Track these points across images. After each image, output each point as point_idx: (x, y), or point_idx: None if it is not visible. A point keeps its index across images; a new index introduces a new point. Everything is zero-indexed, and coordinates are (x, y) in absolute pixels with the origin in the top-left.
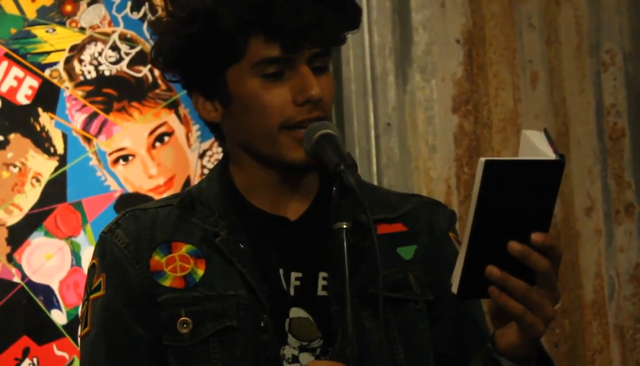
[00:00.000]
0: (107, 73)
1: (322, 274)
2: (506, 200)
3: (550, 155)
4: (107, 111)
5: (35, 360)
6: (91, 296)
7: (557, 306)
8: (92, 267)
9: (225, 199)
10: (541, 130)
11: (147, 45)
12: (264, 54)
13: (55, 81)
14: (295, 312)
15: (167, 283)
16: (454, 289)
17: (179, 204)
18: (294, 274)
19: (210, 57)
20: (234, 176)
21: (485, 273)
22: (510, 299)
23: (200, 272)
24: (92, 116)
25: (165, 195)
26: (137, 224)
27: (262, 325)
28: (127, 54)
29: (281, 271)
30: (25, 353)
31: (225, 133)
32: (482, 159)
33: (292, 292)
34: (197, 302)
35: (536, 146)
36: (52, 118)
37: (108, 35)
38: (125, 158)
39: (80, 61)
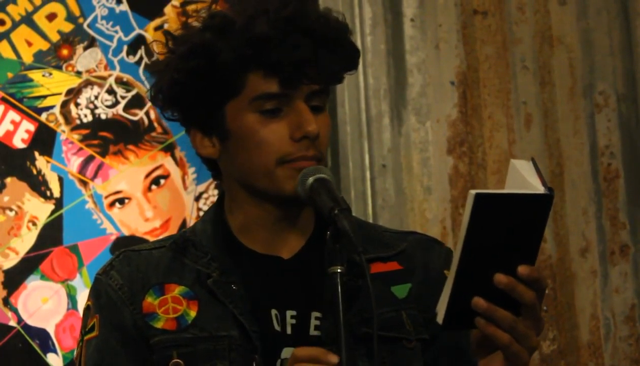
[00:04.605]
0: (103, 116)
1: (315, 314)
2: (494, 232)
3: (539, 187)
4: (103, 154)
5: None
6: (85, 337)
7: (553, 348)
8: (87, 308)
9: (218, 240)
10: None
11: (143, 89)
12: (262, 89)
13: (51, 125)
14: (288, 352)
15: (159, 325)
16: (439, 319)
17: (172, 245)
18: (289, 313)
19: (210, 91)
20: (227, 216)
21: (471, 305)
22: (498, 329)
23: (193, 313)
24: (89, 159)
25: (161, 238)
26: (130, 266)
27: (254, 365)
28: (123, 97)
29: (274, 312)
30: None
31: (222, 170)
32: (473, 192)
33: (288, 330)
34: (189, 343)
35: (525, 177)
36: (48, 162)
37: (104, 78)
38: (121, 201)
39: (77, 105)
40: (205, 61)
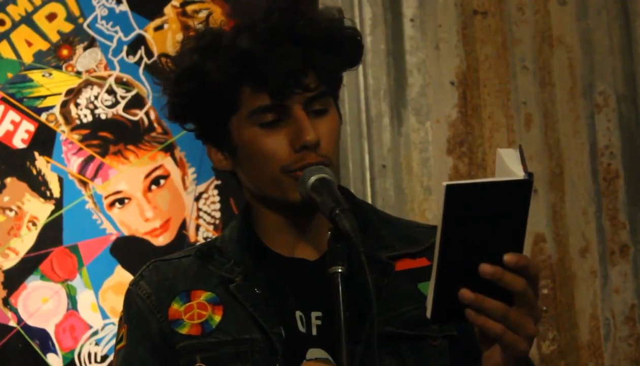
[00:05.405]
0: (103, 117)
1: None
2: (473, 222)
3: (520, 174)
4: (103, 154)
5: None
6: (116, 347)
7: (553, 348)
8: (120, 319)
9: (242, 245)
10: (534, 170)
11: (143, 89)
12: (255, 104)
13: (51, 125)
14: (313, 353)
15: (184, 330)
16: (428, 313)
17: (197, 253)
18: (314, 314)
19: (208, 111)
20: (253, 221)
21: (458, 297)
22: (489, 319)
23: (217, 318)
24: (88, 160)
25: (161, 238)
26: (159, 275)
27: None
28: (123, 97)
29: (298, 313)
30: None
31: (240, 180)
32: (444, 184)
33: (314, 332)
34: (212, 348)
35: (508, 165)
36: (48, 162)
37: (104, 79)
38: (121, 201)
39: (77, 105)
40: (197, 84)
